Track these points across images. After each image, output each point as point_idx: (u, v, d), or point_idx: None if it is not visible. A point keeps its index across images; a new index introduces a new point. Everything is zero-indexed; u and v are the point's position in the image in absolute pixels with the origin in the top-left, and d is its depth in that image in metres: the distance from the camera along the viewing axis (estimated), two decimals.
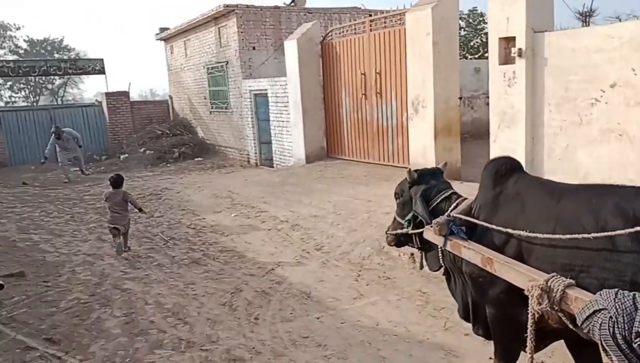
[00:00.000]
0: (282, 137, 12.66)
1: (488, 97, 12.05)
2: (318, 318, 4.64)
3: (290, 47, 11.44)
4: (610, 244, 2.16)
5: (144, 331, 4.47)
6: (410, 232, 3.20)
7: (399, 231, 3.34)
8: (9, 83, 39.52)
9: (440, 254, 3.08)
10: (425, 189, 3.22)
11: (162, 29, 20.04)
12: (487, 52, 19.95)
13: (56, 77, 37.47)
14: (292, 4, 16.44)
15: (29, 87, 40.47)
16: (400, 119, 9.35)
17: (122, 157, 16.60)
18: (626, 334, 1.94)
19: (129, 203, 7.10)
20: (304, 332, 4.36)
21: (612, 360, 2.01)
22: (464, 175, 8.46)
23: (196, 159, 16.29)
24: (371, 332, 4.31)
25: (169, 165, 15.69)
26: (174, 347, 4.17)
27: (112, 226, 6.82)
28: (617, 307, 1.97)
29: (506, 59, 7.05)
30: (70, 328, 4.55)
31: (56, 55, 37.35)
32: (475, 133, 13.19)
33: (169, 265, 6.24)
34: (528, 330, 2.37)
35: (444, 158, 8.40)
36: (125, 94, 19.07)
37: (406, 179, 3.30)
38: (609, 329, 1.97)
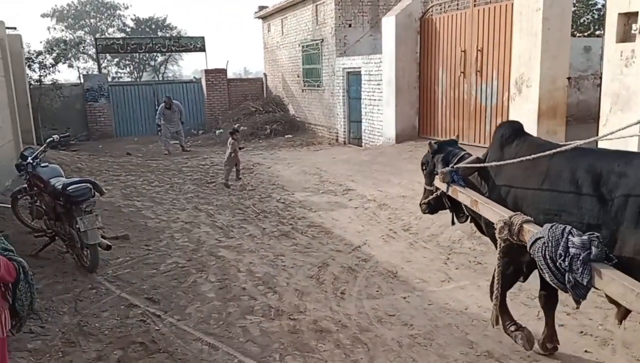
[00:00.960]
0: (373, 116, 12.51)
1: (597, 78, 11.21)
2: (405, 298, 4.55)
3: (388, 23, 11.19)
4: (577, 195, 2.83)
5: (236, 297, 4.61)
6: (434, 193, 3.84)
7: (429, 197, 3.94)
8: (116, 60, 42.25)
9: (464, 207, 3.65)
10: (445, 155, 3.82)
11: (261, 7, 20.40)
12: (597, 29, 18.48)
13: (159, 55, 39.55)
14: None
15: (133, 63, 43.00)
16: (501, 99, 8.89)
17: (217, 132, 17.22)
18: (552, 255, 2.64)
19: None
20: (390, 310, 4.30)
21: (545, 276, 2.75)
22: None
23: (286, 136, 16.54)
24: (459, 315, 4.18)
25: (260, 141, 16.07)
26: (264, 314, 4.26)
27: None
28: (549, 235, 2.68)
29: (625, 37, 6.41)
30: (169, 290, 4.78)
31: (159, 33, 39.25)
32: (581, 116, 12.29)
33: (260, 236, 6.39)
34: (497, 256, 3.15)
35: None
36: (223, 71, 19.70)
37: (429, 150, 3.93)
38: (542, 252, 2.69)
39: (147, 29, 42.24)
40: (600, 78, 7.03)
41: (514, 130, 3.44)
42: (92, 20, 44.00)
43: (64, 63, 17.83)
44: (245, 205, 8.07)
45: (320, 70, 15.55)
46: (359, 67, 12.89)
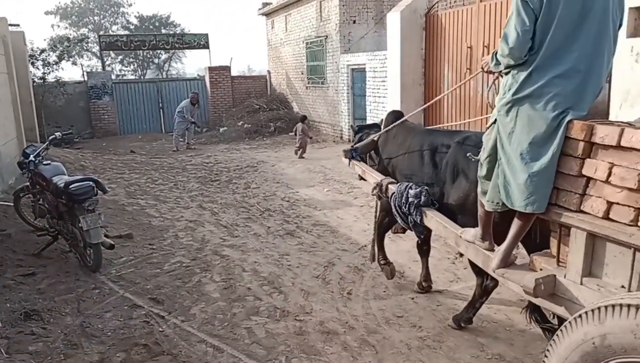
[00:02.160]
0: (378, 113, 12.40)
1: (608, 75, 11.03)
2: (412, 299, 4.47)
3: (393, 19, 11.07)
4: (422, 163, 3.98)
5: (241, 297, 4.55)
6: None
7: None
8: (120, 57, 42.23)
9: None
10: (360, 137, 4.98)
11: (265, 4, 20.30)
12: None
13: (162, 52, 39.50)
14: None
15: (137, 61, 42.97)
16: None
17: (221, 129, 17.15)
18: (399, 204, 3.90)
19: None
20: (398, 311, 4.23)
21: (398, 220, 4.05)
22: None
23: (290, 134, 16.46)
24: None
25: (264, 138, 15.99)
26: (270, 315, 4.20)
27: None
28: (397, 190, 3.96)
29: (636, 32, 6.29)
30: (173, 290, 4.72)
31: (163, 31, 39.22)
32: (593, 112, 12.14)
33: (264, 235, 6.32)
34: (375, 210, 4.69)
35: None
36: (227, 68, 19.61)
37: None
38: (394, 202, 3.97)
39: (151, 26, 42.19)
40: (610, 74, 6.91)
41: (395, 116, 4.62)
42: (95, 18, 43.99)
43: (67, 60, 17.79)
44: (249, 203, 8.00)
45: (324, 67, 15.45)
46: (364, 64, 12.78)
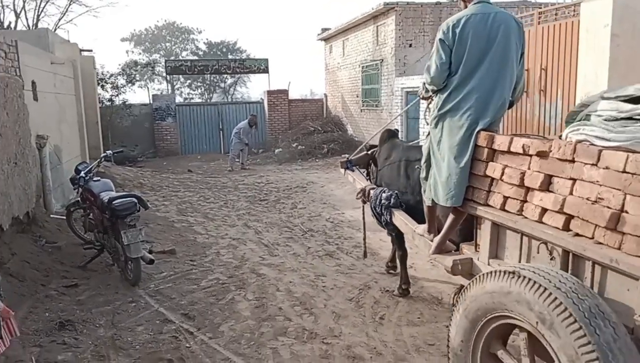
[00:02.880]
0: None
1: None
2: (447, 326, 4.26)
3: None
4: (398, 174, 4.58)
5: (271, 317, 4.50)
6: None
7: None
8: (188, 81, 44.05)
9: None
10: (372, 152, 5.54)
11: (324, 29, 20.64)
12: None
13: (228, 77, 40.85)
14: (455, 0, 15.81)
15: (204, 85, 44.67)
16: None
17: (276, 151, 17.40)
18: (375, 205, 4.61)
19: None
20: (430, 339, 4.04)
21: (374, 220, 4.81)
22: None
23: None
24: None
25: (317, 160, 16.08)
26: (297, 336, 4.12)
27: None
28: (374, 194, 4.68)
29: None
30: (206, 307, 4.74)
31: (229, 56, 40.55)
32: None
33: (303, 256, 6.28)
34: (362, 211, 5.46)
35: None
36: (285, 92, 19.98)
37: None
38: (371, 204, 4.70)
39: (219, 52, 43.77)
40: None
41: (388, 134, 5.21)
42: (167, 44, 46.26)
43: (133, 84, 18.71)
44: (293, 223, 8.00)
45: (379, 90, 15.42)
46: (418, 87, 12.64)
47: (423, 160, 3.54)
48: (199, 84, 44.55)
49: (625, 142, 2.33)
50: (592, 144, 2.44)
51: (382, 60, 15.05)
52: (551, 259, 2.61)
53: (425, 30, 14.27)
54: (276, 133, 19.56)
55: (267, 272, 5.69)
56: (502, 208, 2.86)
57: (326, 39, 20.57)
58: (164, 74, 39.00)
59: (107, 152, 6.49)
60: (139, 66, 19.94)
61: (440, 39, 3.24)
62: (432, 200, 3.40)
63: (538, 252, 2.70)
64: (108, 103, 17.03)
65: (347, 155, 5.85)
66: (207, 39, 45.66)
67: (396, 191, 4.47)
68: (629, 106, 2.42)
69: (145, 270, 5.52)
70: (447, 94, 3.23)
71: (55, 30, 20.89)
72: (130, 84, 17.80)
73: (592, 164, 2.37)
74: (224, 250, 6.57)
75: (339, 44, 19.18)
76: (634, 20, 7.17)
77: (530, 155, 2.71)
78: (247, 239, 7.10)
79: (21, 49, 6.91)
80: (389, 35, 14.56)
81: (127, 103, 17.71)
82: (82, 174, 5.81)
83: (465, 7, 3.33)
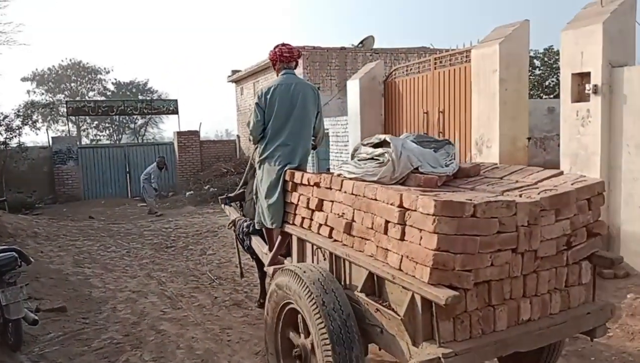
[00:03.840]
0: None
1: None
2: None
3: (353, 86, 11.26)
4: (253, 205, 4.82)
5: None
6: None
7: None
8: (95, 122, 42.22)
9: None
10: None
11: (234, 71, 20.65)
12: None
13: (138, 117, 39.61)
14: (360, 46, 16.43)
15: (112, 126, 42.98)
16: (464, 160, 8.80)
17: (187, 194, 16.90)
18: (238, 232, 5.51)
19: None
20: None
21: (240, 245, 5.70)
22: None
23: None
24: None
25: None
26: None
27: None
28: (238, 223, 5.54)
29: (580, 97, 6.44)
30: None
31: (140, 97, 39.46)
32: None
33: (209, 307, 5.99)
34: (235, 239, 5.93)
35: None
36: (196, 133, 19.62)
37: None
38: (238, 231, 5.52)
39: (128, 93, 42.50)
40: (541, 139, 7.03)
41: (252, 170, 5.23)
42: (72, 84, 44.24)
43: (33, 126, 17.58)
44: (201, 271, 7.68)
45: None
46: (327, 129, 12.85)
47: (254, 193, 4.58)
48: (107, 125, 42.82)
49: (360, 175, 3.25)
50: (345, 177, 3.31)
51: None
52: (324, 259, 3.56)
53: (332, 74, 14.67)
54: (187, 175, 19.06)
55: (168, 327, 5.35)
56: (301, 226, 3.83)
57: (237, 81, 20.59)
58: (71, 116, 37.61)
59: None
60: (38, 107, 18.79)
61: (256, 103, 4.26)
62: (260, 223, 4.42)
63: (320, 256, 3.67)
64: (1, 146, 15.84)
65: (226, 193, 6.69)
66: (115, 79, 44.17)
67: (253, 220, 4.85)
68: (371, 150, 3.37)
69: (30, 332, 5.02)
70: (264, 145, 4.25)
71: None
72: (26, 126, 16.68)
73: (338, 190, 3.30)
74: (121, 305, 6.13)
75: (249, 85, 19.24)
76: (518, 65, 7.73)
77: (312, 185, 3.64)
78: (148, 291, 6.70)
79: None
80: None
81: (22, 146, 16.56)
82: None
83: (277, 75, 4.41)
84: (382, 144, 3.35)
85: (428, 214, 2.51)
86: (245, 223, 5.32)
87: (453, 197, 2.66)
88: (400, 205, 2.73)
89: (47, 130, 21.18)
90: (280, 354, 3.55)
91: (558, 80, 19.73)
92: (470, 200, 2.57)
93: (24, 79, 42.60)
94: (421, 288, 2.51)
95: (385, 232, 2.83)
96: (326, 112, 14.29)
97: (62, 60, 43.56)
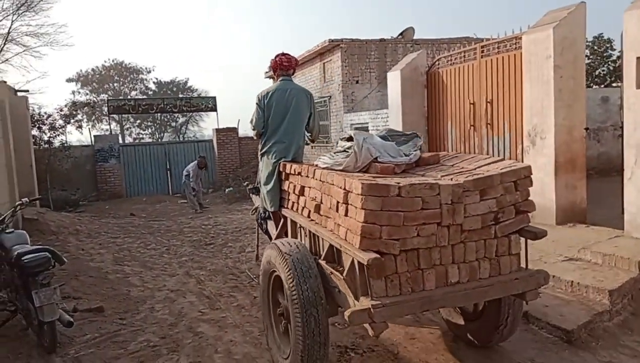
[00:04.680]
0: None
1: (617, 129, 10.63)
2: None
3: (393, 77, 10.86)
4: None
5: None
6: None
7: None
8: (138, 121, 43.05)
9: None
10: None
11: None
12: (614, 81, 17.96)
13: (179, 116, 40.16)
14: (400, 37, 15.98)
15: (155, 125, 43.78)
16: (514, 152, 8.31)
17: (227, 190, 16.86)
18: (256, 217, 6.26)
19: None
20: None
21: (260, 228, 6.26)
22: (591, 218, 7.21)
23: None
24: None
25: None
26: None
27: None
28: (257, 207, 6.04)
29: None
30: None
31: (180, 95, 39.95)
32: (602, 169, 11.64)
33: (248, 307, 5.75)
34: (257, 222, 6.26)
35: (567, 197, 7.23)
36: (234, 130, 19.58)
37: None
38: (257, 214, 6.04)
39: (169, 91, 43.16)
40: (622, 128, 6.45)
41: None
42: (115, 84, 45.24)
43: (72, 125, 17.90)
44: (240, 269, 7.48)
45: (328, 126, 15.25)
46: (367, 123, 12.52)
47: (257, 182, 5.49)
48: (149, 123, 43.62)
49: (330, 165, 3.93)
50: (319, 167, 4.01)
51: (330, 96, 14.93)
52: (305, 236, 4.30)
53: (371, 67, 14.29)
54: (226, 172, 19.04)
55: (206, 329, 5.14)
56: (291, 209, 4.55)
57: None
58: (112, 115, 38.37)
59: (23, 200, 5.84)
60: (80, 106, 19.12)
61: (257, 103, 5.00)
62: (264, 207, 5.14)
63: (304, 233, 4.34)
64: (46, 145, 16.14)
65: (253, 184, 6.88)
66: (156, 78, 45.01)
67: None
68: (344, 143, 4.00)
69: (67, 333, 4.90)
70: (264, 141, 5.02)
71: None
72: (68, 125, 16.97)
73: (312, 177, 3.97)
74: (159, 305, 5.98)
75: None
76: (574, 51, 7.20)
77: (297, 174, 4.34)
78: (187, 290, 6.53)
79: None
80: (336, 71, 14.49)
81: (66, 145, 16.85)
82: None
83: (274, 81, 5.16)
84: (350, 138, 3.94)
85: (358, 194, 3.11)
86: (261, 210, 5.69)
87: (386, 180, 3.24)
88: (344, 188, 3.33)
89: (89, 129, 21.60)
90: (271, 313, 4.17)
91: (609, 69, 18.75)
92: (398, 182, 3.16)
93: (69, 80, 43.86)
94: (355, 253, 3.11)
95: (337, 210, 3.45)
96: (365, 106, 13.95)
97: (105, 61, 44.61)
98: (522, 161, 7.86)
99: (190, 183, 14.49)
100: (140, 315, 5.65)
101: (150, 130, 44.28)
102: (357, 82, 14.18)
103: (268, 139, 4.96)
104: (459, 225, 3.24)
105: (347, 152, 3.83)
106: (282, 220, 4.91)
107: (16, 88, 16.50)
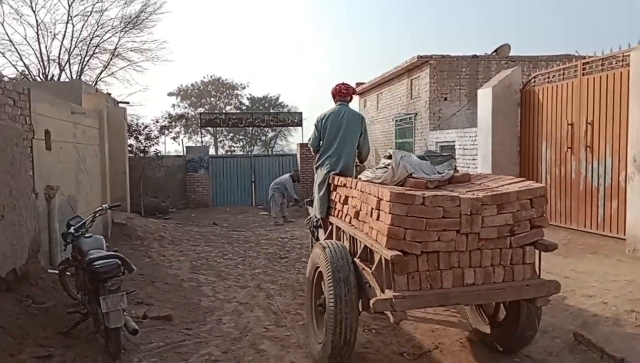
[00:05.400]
0: None
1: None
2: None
3: (484, 95, 10.31)
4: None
5: None
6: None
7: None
8: (231, 135, 44.68)
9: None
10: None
11: (358, 84, 20.42)
12: None
13: (269, 130, 41.22)
14: (494, 54, 15.28)
15: (246, 138, 45.23)
16: (616, 179, 7.52)
17: (305, 202, 16.87)
18: (309, 227, 6.63)
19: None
20: None
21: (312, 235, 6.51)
22: None
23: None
24: None
25: None
26: None
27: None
28: (311, 217, 6.47)
29: None
30: None
31: (271, 110, 41.01)
32: None
33: None
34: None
35: None
36: None
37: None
38: (310, 223, 6.52)
39: (261, 107, 44.47)
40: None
41: None
42: (212, 99, 47.39)
43: (167, 135, 18.74)
44: None
45: (413, 144, 14.83)
46: (454, 141, 11.99)
47: (311, 194, 6.25)
48: (240, 137, 45.15)
49: (371, 178, 4.46)
50: (361, 179, 4.58)
51: (416, 113, 14.52)
52: (347, 240, 4.77)
53: (461, 84, 13.73)
54: (309, 185, 19.09)
55: (268, 347, 4.98)
56: (337, 216, 5.14)
57: (360, 94, 20.33)
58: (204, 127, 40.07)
59: (104, 206, 6.05)
60: (175, 119, 20.06)
61: (315, 124, 5.74)
62: (315, 215, 5.79)
63: (345, 237, 4.85)
64: (141, 154, 17.03)
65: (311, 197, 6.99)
66: (250, 94, 46.60)
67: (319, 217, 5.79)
68: (384, 160, 4.52)
69: (133, 340, 4.93)
70: (319, 155, 5.67)
71: (96, 83, 21.48)
72: (162, 136, 17.81)
73: (354, 188, 4.52)
74: (226, 317, 5.92)
75: (373, 98, 18.86)
76: None
77: (343, 186, 4.89)
78: (255, 304, 6.44)
79: (34, 97, 6.69)
80: (423, 88, 14.09)
81: (159, 154, 17.69)
82: (72, 229, 5.35)
83: (335, 103, 5.79)
84: (390, 156, 4.43)
85: (387, 201, 3.62)
86: (315, 219, 5.98)
87: (412, 191, 3.76)
88: (377, 196, 3.84)
89: (181, 140, 22.60)
90: (312, 305, 4.68)
91: None
92: (424, 193, 3.66)
93: (170, 94, 46.46)
94: (382, 251, 3.63)
95: (371, 216, 3.96)
96: (453, 124, 13.40)
97: (203, 77, 46.82)
98: (626, 190, 7.08)
99: (282, 195, 14.69)
100: (207, 326, 5.61)
101: (241, 144, 45.79)
102: (445, 99, 13.70)
103: (322, 154, 5.63)
104: (476, 233, 3.66)
105: (387, 168, 4.34)
106: (330, 228, 5.45)
107: (118, 100, 17.62)
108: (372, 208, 3.89)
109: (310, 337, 4.67)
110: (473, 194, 3.76)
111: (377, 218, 3.78)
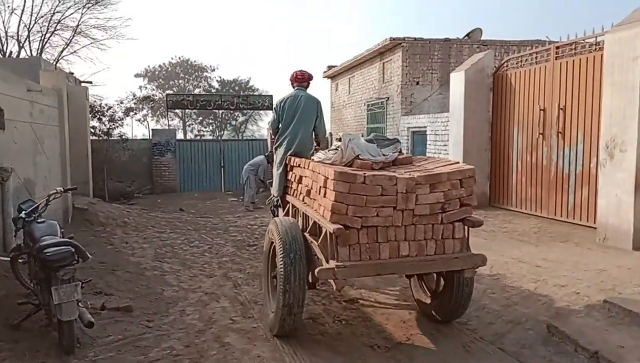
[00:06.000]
0: None
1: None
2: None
3: (457, 78, 10.19)
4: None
5: None
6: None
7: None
8: (200, 118, 43.90)
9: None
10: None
11: (330, 67, 20.13)
12: None
13: (239, 114, 40.61)
14: (466, 38, 15.19)
15: (215, 122, 44.51)
16: (588, 165, 7.50)
17: (269, 183, 16.61)
18: (270, 206, 6.92)
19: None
20: None
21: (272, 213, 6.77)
22: None
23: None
24: None
25: None
26: None
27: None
28: (272, 197, 6.71)
29: None
30: None
31: (242, 93, 40.37)
32: None
33: None
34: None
35: None
36: None
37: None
38: (270, 203, 6.84)
39: (231, 90, 43.72)
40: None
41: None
42: (180, 81, 46.42)
43: (132, 117, 18.13)
44: None
45: (384, 129, 14.67)
46: (425, 126, 11.87)
47: (271, 171, 6.50)
48: (210, 121, 44.41)
49: (322, 159, 4.73)
50: (313, 160, 4.89)
51: (388, 98, 14.35)
52: (300, 216, 5.17)
53: (433, 68, 13.61)
54: None
55: (234, 340, 4.74)
56: (292, 195, 5.52)
57: (332, 77, 20.05)
58: (176, 111, 39.17)
59: (58, 189, 5.68)
60: (140, 100, 19.41)
61: (274, 107, 6.22)
62: (273, 194, 6.15)
63: (299, 214, 5.22)
64: (105, 137, 16.42)
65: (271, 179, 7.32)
66: (220, 77, 45.81)
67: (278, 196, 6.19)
68: (336, 143, 4.88)
69: (89, 333, 4.64)
70: (278, 136, 6.04)
71: (57, 61, 20.61)
72: (127, 117, 17.21)
73: (307, 168, 4.88)
74: (190, 308, 5.65)
75: (344, 81, 18.61)
76: None
77: (298, 166, 5.25)
78: (221, 294, 6.19)
79: None
80: (395, 72, 13.90)
81: (123, 137, 17.10)
82: (23, 214, 4.98)
83: (292, 88, 6.23)
84: (340, 139, 4.72)
85: (332, 179, 3.98)
86: (275, 198, 6.27)
87: (355, 171, 4.13)
88: (324, 175, 4.20)
89: (148, 123, 22.00)
90: (268, 277, 5.04)
91: None
92: (365, 173, 4.03)
93: (137, 75, 45.31)
94: (326, 225, 3.99)
95: (319, 193, 4.32)
96: (425, 109, 13.28)
97: (171, 58, 45.83)
98: (597, 176, 7.04)
99: (255, 177, 14.23)
100: (169, 318, 5.34)
101: (211, 128, 45.06)
102: (417, 83, 13.54)
103: (280, 135, 6.02)
104: (411, 210, 4.04)
105: (337, 150, 4.65)
106: (287, 206, 5.85)
107: (81, 80, 16.91)
108: (320, 187, 4.27)
109: (266, 307, 5.07)
110: (409, 174, 4.11)
111: (324, 196, 4.15)
